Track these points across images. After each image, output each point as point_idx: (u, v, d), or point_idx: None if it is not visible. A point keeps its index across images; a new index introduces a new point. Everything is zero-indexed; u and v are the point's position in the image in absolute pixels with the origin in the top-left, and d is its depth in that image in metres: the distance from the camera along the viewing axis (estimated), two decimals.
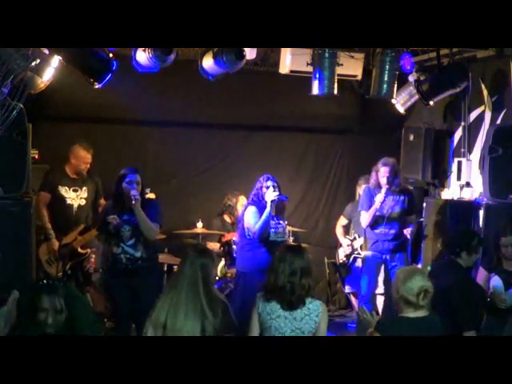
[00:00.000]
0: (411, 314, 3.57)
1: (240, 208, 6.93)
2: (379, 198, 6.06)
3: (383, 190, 6.06)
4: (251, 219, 5.53)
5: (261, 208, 5.51)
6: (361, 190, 6.54)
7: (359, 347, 2.86)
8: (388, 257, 6.18)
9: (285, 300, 3.67)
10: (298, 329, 3.65)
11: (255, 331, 3.73)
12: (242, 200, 6.93)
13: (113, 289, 5.29)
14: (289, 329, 3.65)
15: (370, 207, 6.15)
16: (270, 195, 5.45)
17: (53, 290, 3.28)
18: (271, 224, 5.55)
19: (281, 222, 5.68)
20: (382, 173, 6.12)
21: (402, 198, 6.23)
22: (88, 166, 6.24)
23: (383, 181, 6.09)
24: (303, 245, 7.19)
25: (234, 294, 5.84)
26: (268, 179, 5.57)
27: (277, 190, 5.52)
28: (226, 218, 7.21)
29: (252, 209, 5.57)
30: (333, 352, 2.75)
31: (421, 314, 3.58)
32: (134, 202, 4.96)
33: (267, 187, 5.52)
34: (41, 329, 3.20)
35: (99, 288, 5.50)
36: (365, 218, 6.20)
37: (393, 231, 6.16)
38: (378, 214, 6.12)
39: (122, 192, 5.09)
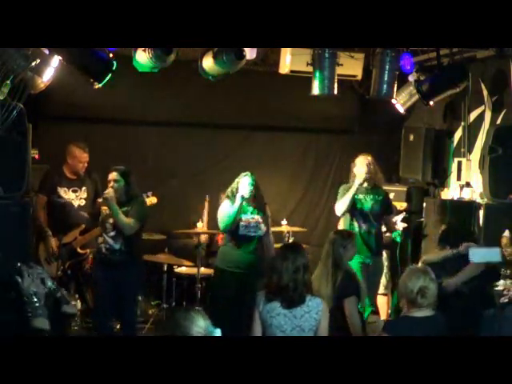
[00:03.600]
0: (416, 313, 3.58)
1: None
2: (359, 178, 5.95)
3: (363, 175, 5.95)
4: (219, 213, 5.68)
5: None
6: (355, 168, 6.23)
7: (359, 347, 2.86)
8: (369, 258, 6.01)
9: (287, 298, 3.66)
10: (298, 326, 3.65)
11: (257, 331, 3.73)
12: None
13: (95, 281, 5.48)
14: (289, 326, 3.65)
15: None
16: (241, 191, 5.54)
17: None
18: (242, 218, 5.59)
19: (256, 216, 5.66)
20: (360, 163, 6.03)
21: (380, 197, 6.14)
22: (85, 165, 6.22)
23: (361, 171, 5.99)
24: (303, 245, 7.28)
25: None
26: (245, 176, 5.62)
27: (249, 186, 5.55)
28: None
29: (224, 203, 5.68)
30: (332, 352, 2.75)
31: (426, 313, 3.59)
32: (99, 200, 5.48)
33: (242, 183, 5.59)
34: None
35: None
36: (340, 203, 6.03)
37: (373, 231, 6.06)
38: (359, 211, 6.04)
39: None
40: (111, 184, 5.38)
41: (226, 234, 5.73)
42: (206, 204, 6.99)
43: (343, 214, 6.14)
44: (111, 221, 5.37)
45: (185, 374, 2.44)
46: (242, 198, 5.53)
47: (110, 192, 5.32)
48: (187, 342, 2.51)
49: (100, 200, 5.48)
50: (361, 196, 6.06)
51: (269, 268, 3.85)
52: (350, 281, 4.58)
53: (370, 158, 6.10)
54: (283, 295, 3.67)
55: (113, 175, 5.40)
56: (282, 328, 3.65)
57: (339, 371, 2.63)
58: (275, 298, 3.69)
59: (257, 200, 5.69)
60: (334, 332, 4.09)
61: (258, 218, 5.67)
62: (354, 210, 6.06)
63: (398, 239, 6.45)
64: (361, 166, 6.05)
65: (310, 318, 3.66)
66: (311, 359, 2.67)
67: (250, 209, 5.66)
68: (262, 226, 5.67)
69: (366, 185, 6.06)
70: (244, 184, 5.57)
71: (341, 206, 6.07)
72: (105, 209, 5.43)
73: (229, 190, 5.70)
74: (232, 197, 5.63)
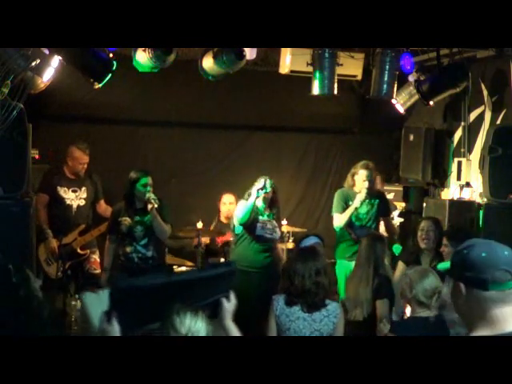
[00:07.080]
0: (423, 313, 3.57)
1: (222, 206, 6.91)
2: (359, 197, 5.90)
3: (364, 191, 5.92)
4: (236, 211, 5.68)
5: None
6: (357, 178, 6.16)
7: (359, 347, 2.85)
8: None
9: (308, 302, 3.63)
10: (317, 330, 3.61)
11: (272, 335, 3.67)
12: (226, 198, 6.91)
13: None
14: (308, 331, 3.61)
15: (343, 210, 5.99)
16: (257, 186, 5.52)
17: None
18: (259, 219, 5.60)
19: (271, 219, 5.72)
20: (363, 176, 5.95)
21: (376, 201, 6.11)
22: (85, 166, 6.20)
23: (364, 184, 5.93)
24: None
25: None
26: (264, 178, 5.57)
27: (265, 188, 5.50)
28: (222, 219, 7.15)
29: (241, 202, 5.68)
30: (333, 352, 2.74)
31: (432, 313, 3.57)
32: (155, 206, 5.17)
33: (259, 183, 5.56)
34: None
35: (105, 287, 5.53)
36: (340, 219, 5.99)
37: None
38: (354, 216, 6.00)
39: (134, 194, 5.29)
40: (152, 190, 5.23)
41: (244, 231, 5.67)
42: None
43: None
44: (140, 229, 5.28)
45: (191, 375, 2.44)
46: (258, 192, 5.49)
47: (156, 199, 5.16)
48: (193, 342, 2.49)
49: (149, 207, 5.21)
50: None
51: (289, 272, 3.79)
52: (386, 283, 4.57)
53: (371, 168, 6.01)
54: (305, 299, 3.63)
55: (151, 179, 5.27)
56: (301, 332, 3.60)
57: (345, 371, 2.62)
58: (296, 301, 3.65)
59: (273, 205, 5.71)
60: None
61: (273, 222, 5.71)
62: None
63: (397, 251, 6.39)
64: (362, 180, 5.97)
65: (328, 321, 3.64)
66: (315, 358, 2.66)
67: (266, 213, 5.69)
68: (278, 230, 5.73)
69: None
70: (260, 184, 5.51)
71: (338, 221, 6.02)
72: (125, 219, 5.27)
73: (246, 193, 5.65)
74: (248, 197, 5.59)
